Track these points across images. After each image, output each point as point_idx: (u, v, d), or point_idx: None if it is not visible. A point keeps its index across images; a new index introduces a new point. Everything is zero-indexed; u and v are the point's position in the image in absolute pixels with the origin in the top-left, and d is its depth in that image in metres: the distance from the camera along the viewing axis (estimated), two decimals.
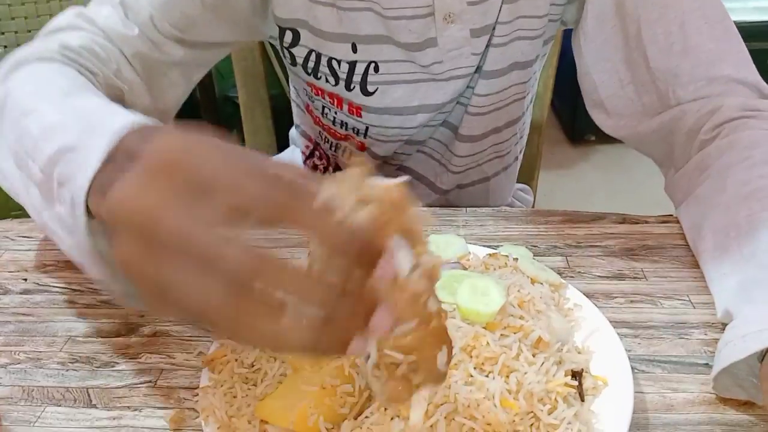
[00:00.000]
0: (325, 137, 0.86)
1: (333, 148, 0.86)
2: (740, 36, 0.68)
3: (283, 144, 1.06)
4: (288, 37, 0.71)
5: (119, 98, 0.64)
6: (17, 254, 0.68)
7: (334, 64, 0.72)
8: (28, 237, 0.69)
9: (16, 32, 1.16)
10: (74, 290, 0.62)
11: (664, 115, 0.68)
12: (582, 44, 0.72)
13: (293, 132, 1.00)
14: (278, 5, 0.68)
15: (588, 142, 2.39)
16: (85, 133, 0.42)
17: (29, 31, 1.15)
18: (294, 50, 0.72)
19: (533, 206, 1.08)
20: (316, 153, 0.92)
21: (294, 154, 0.99)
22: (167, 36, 0.66)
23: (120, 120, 0.40)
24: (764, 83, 0.67)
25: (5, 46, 1.15)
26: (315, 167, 0.92)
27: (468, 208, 0.75)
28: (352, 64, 0.71)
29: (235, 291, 0.29)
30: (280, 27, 0.71)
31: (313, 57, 0.72)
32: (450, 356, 0.34)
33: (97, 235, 0.41)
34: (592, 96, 0.74)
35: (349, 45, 0.70)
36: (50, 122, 0.46)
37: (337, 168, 0.89)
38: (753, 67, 0.67)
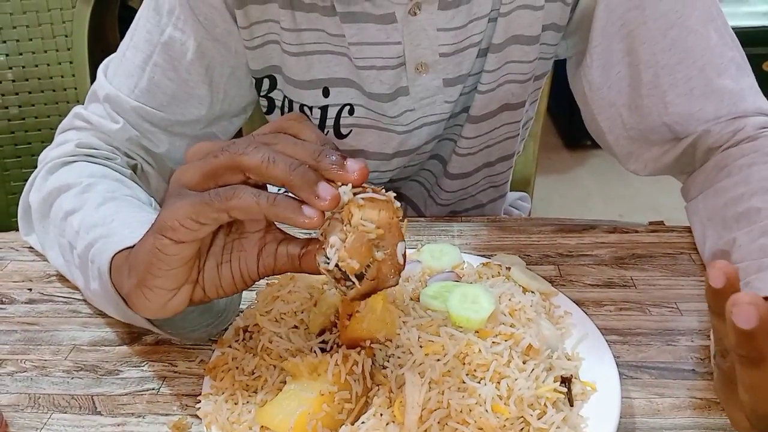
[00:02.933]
0: None
1: None
2: (749, 66, 0.69)
3: None
4: (265, 84, 0.73)
5: (135, 169, 0.71)
6: (22, 264, 0.69)
7: (306, 110, 0.73)
8: (32, 248, 0.71)
9: (17, 40, 1.17)
10: (78, 300, 0.64)
11: (686, 140, 0.68)
12: (587, 91, 0.71)
13: None
14: (252, 59, 0.70)
15: (584, 146, 2.41)
16: (121, 227, 0.54)
17: (30, 40, 1.17)
18: (273, 94, 0.74)
19: (530, 214, 1.10)
20: None
21: None
22: (156, 124, 0.70)
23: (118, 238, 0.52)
24: None
25: (7, 55, 1.17)
26: None
27: (463, 218, 0.76)
28: (324, 109, 0.72)
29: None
30: (256, 78, 0.72)
31: (287, 103, 0.74)
32: (405, 254, 0.41)
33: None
34: (602, 140, 0.75)
35: (320, 90, 0.71)
36: (92, 221, 0.57)
37: None
38: (762, 96, 0.69)
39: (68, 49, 1.17)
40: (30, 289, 0.66)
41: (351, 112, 0.73)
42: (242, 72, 0.71)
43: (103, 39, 1.23)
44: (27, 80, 1.20)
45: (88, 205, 0.59)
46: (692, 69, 0.66)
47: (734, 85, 0.67)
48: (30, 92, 1.21)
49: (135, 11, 0.71)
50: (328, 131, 0.74)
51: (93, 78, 1.21)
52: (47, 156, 0.69)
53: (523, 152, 1.12)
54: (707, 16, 0.66)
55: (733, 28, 2.26)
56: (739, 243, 0.56)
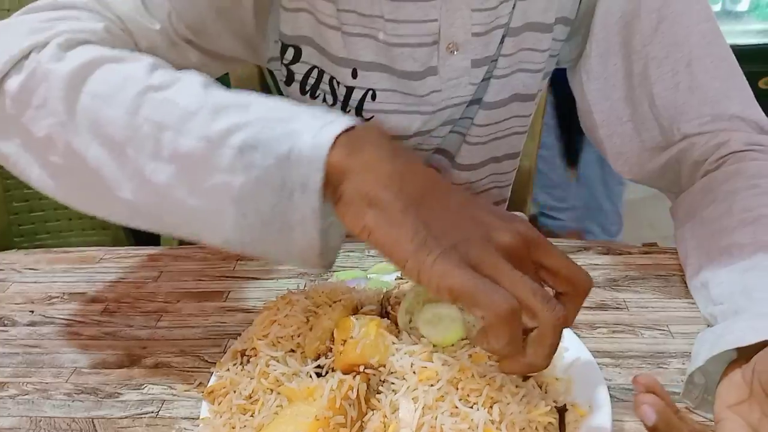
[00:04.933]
0: None
1: None
2: (743, 73, 0.70)
3: None
4: (289, 53, 0.72)
5: None
6: (23, 286, 0.70)
7: (335, 84, 0.72)
8: (34, 269, 0.72)
9: None
10: (79, 322, 0.65)
11: (672, 149, 0.70)
12: (584, 82, 0.74)
13: None
14: (285, 21, 0.69)
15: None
16: (294, 114, 0.45)
17: None
18: (293, 67, 0.73)
19: None
20: None
21: None
22: (183, 38, 0.65)
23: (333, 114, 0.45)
24: (765, 118, 0.69)
25: None
26: None
27: None
28: (350, 90, 0.72)
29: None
30: (283, 43, 0.71)
31: (314, 74, 0.72)
32: None
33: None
34: (595, 135, 0.76)
35: (350, 70, 0.71)
36: (217, 101, 0.46)
37: None
38: (756, 104, 0.70)
39: None
40: (32, 311, 0.67)
41: (374, 97, 0.73)
42: (248, 29, 0.69)
43: None
44: None
45: (187, 83, 0.48)
46: (679, 63, 0.68)
47: (720, 84, 0.68)
48: None
49: None
50: (350, 110, 0.74)
51: None
52: (51, 27, 0.53)
53: (518, 171, 1.13)
54: (700, 15, 0.68)
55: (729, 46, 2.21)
56: (718, 281, 0.57)
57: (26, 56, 0.51)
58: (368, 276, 0.65)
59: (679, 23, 0.68)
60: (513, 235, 0.43)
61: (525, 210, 1.15)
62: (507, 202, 0.94)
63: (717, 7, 2.48)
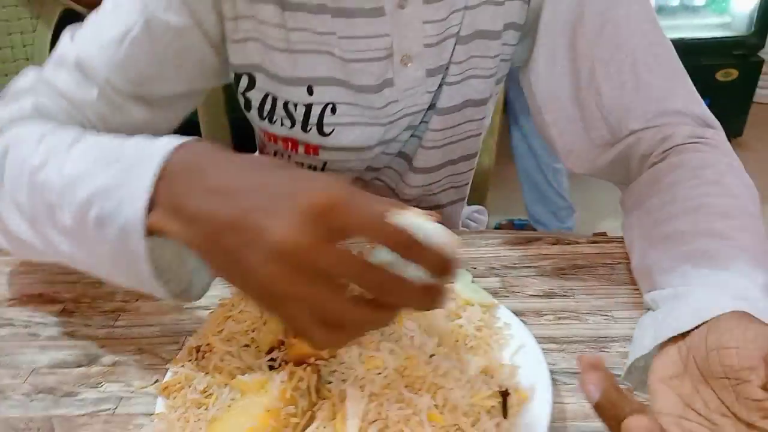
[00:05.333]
0: None
1: None
2: (685, 70, 0.72)
3: None
4: (243, 81, 0.74)
5: None
6: None
7: (290, 107, 0.74)
8: None
9: None
10: (37, 323, 0.65)
11: (619, 144, 0.72)
12: (533, 83, 0.75)
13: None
14: (233, 52, 0.71)
15: None
16: (121, 168, 0.49)
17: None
18: (249, 94, 0.75)
19: (487, 226, 1.13)
20: None
21: None
22: (128, 95, 0.68)
23: (160, 143, 0.48)
24: (709, 114, 0.72)
25: None
26: None
27: None
28: (308, 107, 0.74)
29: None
30: (235, 73, 0.74)
31: (269, 100, 0.75)
32: None
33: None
34: (546, 134, 0.78)
35: (305, 88, 0.73)
36: (71, 172, 0.52)
37: None
38: (699, 99, 0.72)
39: None
40: None
41: (333, 111, 0.75)
42: (210, 62, 0.72)
43: None
44: None
45: (58, 153, 0.54)
46: (624, 63, 0.70)
47: (664, 83, 0.70)
48: None
49: None
50: (311, 128, 0.76)
51: None
52: None
53: (478, 165, 1.15)
54: (642, 16, 0.71)
55: (687, 40, 2.36)
56: (661, 267, 0.58)
57: None
58: None
59: (623, 25, 0.70)
60: (292, 237, 0.41)
61: (485, 204, 1.17)
62: (465, 200, 0.96)
63: (675, 2, 2.54)
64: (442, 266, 0.42)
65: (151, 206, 0.47)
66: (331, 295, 0.41)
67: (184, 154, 0.48)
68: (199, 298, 0.55)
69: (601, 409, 0.41)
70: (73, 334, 0.64)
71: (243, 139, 1.11)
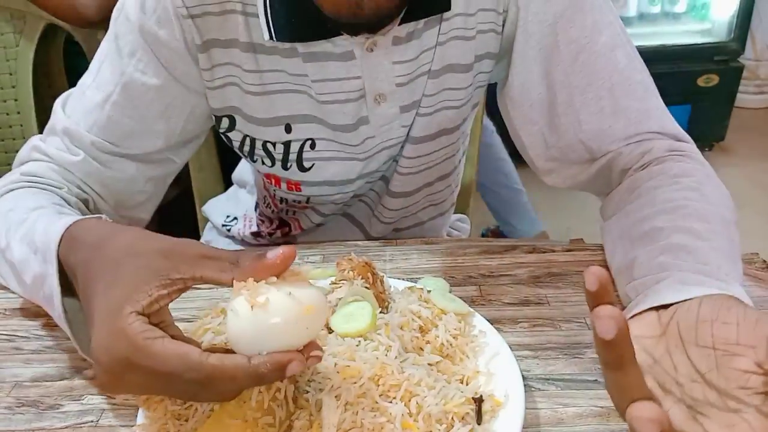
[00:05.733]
0: (270, 198, 0.91)
1: (280, 202, 0.91)
2: (657, 89, 0.75)
3: (228, 182, 1.11)
4: (224, 123, 0.76)
5: (87, 204, 0.74)
6: None
7: (269, 146, 0.77)
8: None
9: None
10: (21, 337, 0.66)
11: (599, 161, 0.74)
12: (509, 109, 0.77)
13: (237, 174, 1.04)
14: (212, 98, 0.73)
15: None
16: (43, 264, 0.57)
17: None
18: (230, 135, 0.77)
19: (470, 234, 1.15)
20: (267, 201, 0.97)
21: (238, 194, 1.04)
22: (113, 154, 0.72)
23: (52, 238, 0.55)
24: (681, 130, 0.74)
25: None
26: (262, 220, 0.97)
27: (397, 242, 0.81)
28: (287, 144, 0.76)
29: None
30: (216, 116, 0.76)
31: (248, 142, 0.77)
32: None
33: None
34: (524, 154, 0.80)
35: (282, 127, 0.75)
36: (18, 259, 0.61)
37: (282, 221, 0.94)
38: (671, 117, 0.74)
39: (12, 87, 1.19)
40: None
41: (313, 146, 0.77)
42: (200, 109, 0.75)
43: (48, 75, 1.25)
44: None
45: (14, 237, 0.62)
46: (601, 90, 0.72)
47: (640, 105, 0.72)
48: None
49: (79, 45, 0.74)
50: (291, 165, 0.78)
51: (39, 114, 1.23)
52: None
53: (460, 175, 1.17)
54: (615, 41, 0.72)
55: (668, 46, 2.39)
56: (640, 260, 0.60)
57: None
58: None
59: (597, 52, 0.71)
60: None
61: (467, 212, 1.19)
62: (447, 213, 0.98)
63: (657, 9, 2.57)
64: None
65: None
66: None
67: (66, 239, 0.55)
68: None
69: (610, 345, 0.37)
70: (55, 347, 0.64)
71: (226, 152, 1.12)
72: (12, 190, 0.70)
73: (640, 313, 0.49)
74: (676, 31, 2.57)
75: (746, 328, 0.43)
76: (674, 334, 0.46)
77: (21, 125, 1.20)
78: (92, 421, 0.56)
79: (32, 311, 0.70)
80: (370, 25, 0.68)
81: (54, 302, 0.55)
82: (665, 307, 0.48)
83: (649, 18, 2.55)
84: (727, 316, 0.44)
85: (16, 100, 1.20)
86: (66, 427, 0.55)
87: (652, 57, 2.40)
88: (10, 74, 1.18)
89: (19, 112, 1.20)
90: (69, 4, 1.10)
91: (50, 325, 0.67)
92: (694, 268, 0.54)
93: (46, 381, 0.61)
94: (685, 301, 0.47)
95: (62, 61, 1.28)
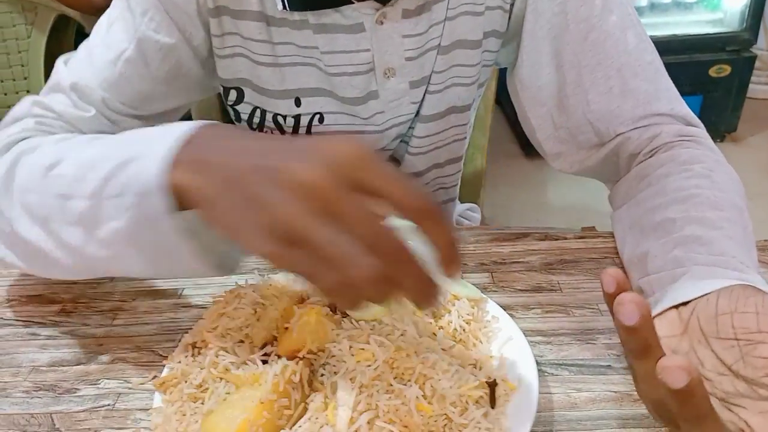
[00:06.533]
0: None
1: None
2: (666, 73, 0.74)
3: None
4: (232, 95, 0.76)
5: None
6: None
7: (279, 119, 0.76)
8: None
9: None
10: (37, 323, 0.67)
11: (608, 144, 0.73)
12: (519, 90, 0.78)
13: None
14: (221, 67, 0.73)
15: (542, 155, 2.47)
16: (141, 144, 0.48)
17: None
18: (238, 107, 0.77)
19: (481, 223, 1.15)
20: None
21: None
22: (122, 114, 0.71)
23: (179, 125, 0.47)
24: (692, 114, 0.73)
25: None
26: None
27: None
28: (297, 117, 0.76)
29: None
30: (224, 87, 0.76)
31: (258, 113, 0.77)
32: None
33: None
34: (533, 137, 0.80)
35: (293, 100, 0.75)
36: (88, 158, 0.51)
37: None
38: (681, 100, 0.74)
39: (25, 78, 1.20)
40: None
41: (321, 120, 0.76)
42: (198, 75, 0.74)
43: None
44: None
45: (73, 150, 0.54)
46: (610, 69, 0.71)
47: (649, 86, 0.72)
48: None
49: (89, 36, 0.74)
50: None
51: None
52: None
53: (471, 163, 1.17)
54: (625, 22, 0.72)
55: (680, 36, 2.37)
56: (654, 253, 0.59)
57: None
58: None
59: (607, 32, 0.71)
60: (316, 177, 0.39)
61: (479, 202, 1.19)
62: (456, 199, 0.98)
63: None
64: (453, 254, 0.41)
65: (172, 170, 0.44)
66: (344, 243, 0.38)
67: (207, 127, 0.46)
68: (234, 270, 0.51)
69: (634, 332, 0.37)
70: (71, 333, 0.65)
71: None
72: (27, 138, 0.64)
73: (660, 313, 0.49)
74: (688, 20, 2.54)
75: (766, 315, 0.43)
76: (696, 330, 0.46)
77: None
78: (109, 405, 0.56)
79: (47, 298, 0.70)
80: None
81: (145, 172, 0.45)
82: (684, 303, 0.48)
83: (661, 8, 2.53)
84: (746, 305, 0.44)
85: (28, 91, 1.21)
86: (83, 411, 0.56)
87: (664, 47, 2.38)
88: (22, 65, 1.19)
89: None
90: None
91: (66, 311, 0.68)
92: (710, 260, 0.53)
93: (63, 366, 0.61)
94: (703, 296, 0.47)
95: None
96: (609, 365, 0.58)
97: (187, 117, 0.91)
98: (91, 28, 0.73)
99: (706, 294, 0.47)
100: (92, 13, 1.08)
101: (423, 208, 0.39)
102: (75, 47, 1.26)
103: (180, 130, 0.46)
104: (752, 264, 0.54)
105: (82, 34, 1.27)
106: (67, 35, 1.26)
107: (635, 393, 0.45)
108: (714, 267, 0.52)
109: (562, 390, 0.55)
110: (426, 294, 0.40)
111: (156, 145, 0.46)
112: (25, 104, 0.69)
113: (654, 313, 0.49)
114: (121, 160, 0.47)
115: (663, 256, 0.58)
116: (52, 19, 1.16)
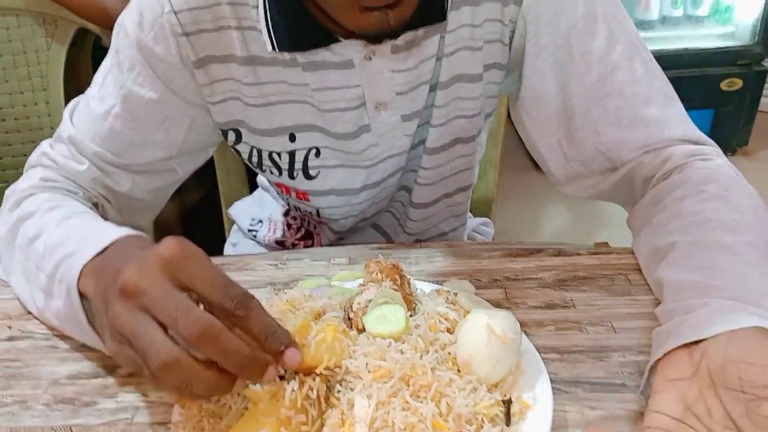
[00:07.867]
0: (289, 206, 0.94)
1: (295, 209, 0.93)
2: (676, 95, 0.74)
3: (253, 185, 1.12)
4: (231, 136, 0.78)
5: (98, 207, 0.76)
6: (1, 303, 0.73)
7: (275, 156, 0.78)
8: (11, 287, 0.74)
9: None
10: (56, 336, 0.68)
11: (622, 169, 0.73)
12: (525, 121, 0.77)
13: (262, 178, 1.06)
14: (215, 113, 0.75)
15: None
16: (81, 242, 0.59)
17: (7, 81, 1.21)
18: (238, 147, 0.79)
19: (493, 238, 1.15)
20: (290, 212, 0.98)
21: (263, 197, 1.05)
22: (114, 165, 0.74)
23: (110, 232, 0.59)
24: (702, 135, 0.73)
25: None
26: (289, 225, 0.98)
27: (422, 245, 0.81)
28: (292, 153, 0.77)
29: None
30: (222, 130, 0.77)
31: (255, 153, 0.79)
32: None
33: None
34: (543, 165, 0.80)
35: (287, 136, 0.76)
36: (53, 241, 0.63)
37: (308, 233, 0.96)
38: (691, 122, 0.74)
39: (44, 90, 1.22)
40: (10, 327, 0.69)
41: (317, 154, 0.78)
42: (202, 122, 0.76)
43: (77, 78, 1.28)
44: (4, 120, 1.24)
45: (48, 228, 0.65)
46: (620, 100, 0.71)
47: (660, 114, 0.72)
48: (7, 132, 1.25)
49: (106, 50, 0.76)
50: (297, 174, 0.79)
51: None
52: (15, 189, 0.74)
53: (483, 178, 1.18)
54: (631, 50, 0.72)
55: (691, 50, 2.37)
56: (670, 281, 0.59)
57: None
58: (332, 284, 0.69)
59: (614, 62, 0.71)
60: (134, 278, 0.46)
61: (490, 216, 1.19)
62: (466, 222, 0.98)
63: (679, 12, 2.55)
64: (271, 342, 0.46)
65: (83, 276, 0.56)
66: (149, 332, 0.44)
67: (125, 239, 0.57)
68: None
69: None
70: (90, 347, 0.66)
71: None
72: (34, 194, 0.72)
73: (669, 352, 0.49)
74: (699, 34, 2.54)
75: None
76: (705, 376, 0.46)
77: (51, 128, 1.23)
78: (127, 419, 0.57)
79: None
80: (387, 35, 0.67)
81: (71, 272, 0.57)
82: (696, 342, 0.48)
83: (672, 21, 2.53)
84: (754, 356, 0.44)
85: (47, 102, 1.22)
86: (102, 424, 0.57)
87: (675, 61, 2.40)
88: (42, 78, 1.21)
89: (50, 115, 1.22)
90: (98, 6, 1.13)
91: None
92: (727, 292, 0.53)
93: (82, 379, 0.62)
94: (714, 337, 0.47)
95: (90, 65, 1.31)
96: (623, 383, 0.58)
97: (210, 163, 0.94)
98: (109, 41, 0.75)
99: (718, 335, 0.47)
100: (111, 27, 1.10)
101: (227, 306, 0.45)
102: (93, 57, 1.28)
103: (107, 238, 0.57)
104: None
105: (99, 48, 1.29)
106: (85, 48, 1.27)
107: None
108: (731, 301, 0.52)
109: (577, 408, 0.56)
110: (247, 368, 0.45)
111: (88, 245, 0.58)
112: (37, 153, 0.77)
113: (665, 350, 0.50)
114: (67, 252, 0.59)
115: (678, 284, 0.58)
116: (73, 32, 1.17)
